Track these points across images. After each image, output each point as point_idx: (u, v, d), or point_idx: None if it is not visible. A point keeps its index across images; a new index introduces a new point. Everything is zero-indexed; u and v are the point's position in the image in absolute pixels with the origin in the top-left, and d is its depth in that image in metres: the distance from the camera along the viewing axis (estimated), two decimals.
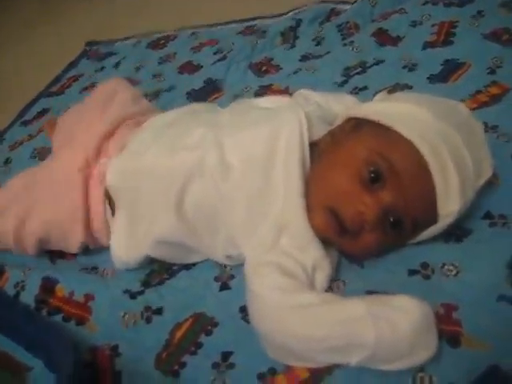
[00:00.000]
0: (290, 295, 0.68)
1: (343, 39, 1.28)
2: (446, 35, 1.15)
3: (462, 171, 0.70)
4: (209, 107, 1.00)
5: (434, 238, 0.75)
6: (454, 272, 0.72)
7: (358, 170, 0.71)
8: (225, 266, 0.83)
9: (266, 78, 1.23)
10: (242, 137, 0.79)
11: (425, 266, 0.74)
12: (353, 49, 1.22)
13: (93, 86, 1.46)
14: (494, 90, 0.98)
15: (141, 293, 0.83)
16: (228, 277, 0.82)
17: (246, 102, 0.95)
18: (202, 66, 1.37)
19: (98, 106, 1.00)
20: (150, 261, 0.86)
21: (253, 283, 0.72)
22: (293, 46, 1.32)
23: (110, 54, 1.64)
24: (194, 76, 1.33)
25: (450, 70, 1.05)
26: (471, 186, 0.71)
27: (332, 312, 0.65)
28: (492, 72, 1.02)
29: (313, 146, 0.78)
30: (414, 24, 1.23)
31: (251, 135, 0.79)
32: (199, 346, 0.74)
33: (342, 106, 0.89)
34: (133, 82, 1.32)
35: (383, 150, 0.70)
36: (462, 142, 0.71)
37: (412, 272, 0.74)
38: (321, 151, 0.77)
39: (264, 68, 1.27)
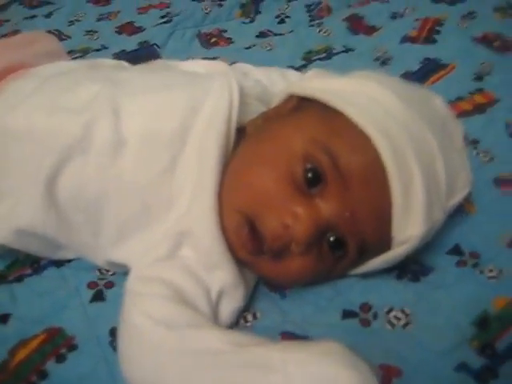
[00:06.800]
0: (180, 333, 0.48)
1: (311, 20, 1.10)
2: (430, 32, 1.00)
3: (432, 183, 0.52)
4: (117, 63, 0.79)
5: (384, 271, 0.57)
6: (402, 322, 0.55)
7: (290, 166, 0.51)
8: (106, 270, 0.63)
9: (213, 51, 1.05)
10: (147, 101, 0.58)
11: (366, 307, 0.56)
12: (320, 31, 1.05)
13: (15, 33, 1.25)
14: (480, 99, 0.83)
15: None
16: (106, 284, 0.62)
17: (167, 63, 0.75)
18: (143, 29, 1.17)
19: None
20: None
21: (129, 307, 0.52)
22: (252, 21, 1.14)
23: (46, 2, 1.43)
24: (131, 38, 1.14)
25: (429, 70, 0.91)
26: (441, 205, 0.54)
27: (240, 371, 0.45)
28: (479, 78, 0.88)
29: (240, 131, 0.58)
30: (394, 16, 1.08)
31: (161, 101, 0.58)
32: (43, 375, 0.54)
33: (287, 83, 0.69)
34: (62, 36, 1.17)
35: (328, 142, 0.51)
36: (435, 143, 0.53)
37: (348, 313, 0.56)
38: (247, 137, 0.57)
39: (214, 39, 1.09)
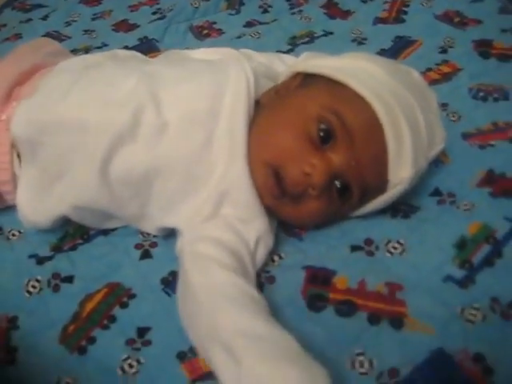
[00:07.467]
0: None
1: (291, 9, 1.21)
2: (398, 12, 1.12)
3: (416, 136, 0.64)
4: (134, 54, 0.88)
5: (381, 212, 0.70)
6: (399, 250, 0.68)
7: (306, 127, 0.63)
8: (147, 234, 0.74)
9: (206, 42, 1.15)
10: (181, 90, 0.68)
11: (369, 242, 0.69)
12: (301, 18, 1.16)
13: (16, 37, 1.31)
14: (446, 69, 0.95)
15: (50, 258, 0.73)
16: (150, 244, 0.74)
17: (180, 53, 0.85)
18: (138, 26, 1.26)
19: (16, 55, 0.87)
20: (63, 222, 0.75)
21: (188, 268, 0.62)
22: (238, 12, 1.24)
23: (38, 6, 1.48)
24: (129, 34, 1.22)
25: (400, 47, 1.02)
26: (424, 154, 0.66)
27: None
28: (444, 51, 1.00)
29: (256, 103, 0.69)
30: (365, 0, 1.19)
31: (192, 88, 0.68)
32: (112, 319, 0.66)
33: (286, 66, 0.81)
34: (62, 36, 1.24)
35: (335, 107, 0.63)
36: (416, 105, 0.65)
37: (355, 248, 0.69)
38: (264, 107, 0.69)
39: (205, 31, 1.19)
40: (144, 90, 0.68)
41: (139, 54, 0.89)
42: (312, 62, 0.71)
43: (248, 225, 0.65)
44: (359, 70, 0.66)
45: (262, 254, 0.66)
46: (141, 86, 0.68)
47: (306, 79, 0.69)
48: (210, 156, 0.66)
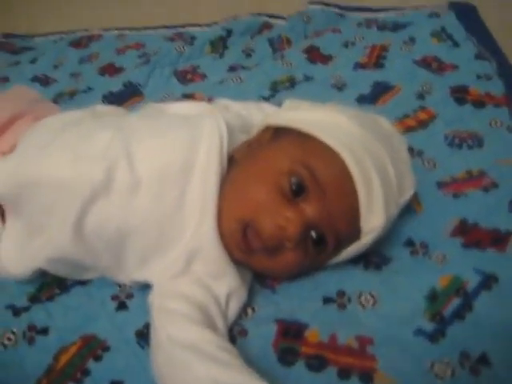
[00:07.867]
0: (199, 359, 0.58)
1: (274, 53, 1.24)
2: (378, 58, 1.14)
3: (386, 185, 0.66)
4: (113, 110, 0.89)
5: (354, 263, 0.71)
6: (371, 302, 0.68)
7: (278, 182, 0.65)
8: (124, 285, 0.75)
9: (190, 86, 1.17)
10: (154, 144, 0.69)
11: (341, 294, 0.70)
12: (283, 64, 1.18)
13: (4, 80, 1.33)
14: (422, 116, 0.97)
15: (26, 309, 0.74)
16: (127, 295, 0.74)
17: (158, 106, 0.86)
18: (124, 69, 1.28)
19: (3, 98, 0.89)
20: (41, 273, 0.76)
21: (158, 326, 0.63)
22: (221, 56, 1.26)
23: (28, 48, 1.51)
24: (114, 78, 1.24)
25: (379, 92, 1.04)
26: (395, 201, 0.68)
27: None
28: (421, 97, 1.02)
29: (229, 158, 0.70)
30: (346, 44, 1.21)
31: (165, 143, 0.69)
32: (86, 373, 0.66)
33: (264, 115, 0.82)
34: (49, 80, 1.26)
35: (306, 160, 0.64)
36: (386, 155, 0.67)
37: (327, 300, 0.69)
38: (237, 163, 0.70)
39: (189, 76, 1.21)
40: (118, 145, 0.69)
41: (118, 109, 0.91)
42: (283, 114, 0.73)
43: (218, 280, 0.66)
44: (329, 123, 0.68)
45: (234, 309, 0.67)
46: (115, 140, 0.69)
47: (278, 132, 0.70)
48: (182, 214, 0.67)
